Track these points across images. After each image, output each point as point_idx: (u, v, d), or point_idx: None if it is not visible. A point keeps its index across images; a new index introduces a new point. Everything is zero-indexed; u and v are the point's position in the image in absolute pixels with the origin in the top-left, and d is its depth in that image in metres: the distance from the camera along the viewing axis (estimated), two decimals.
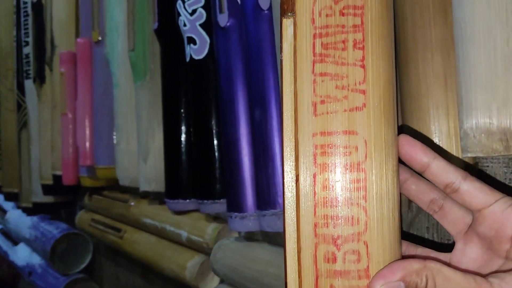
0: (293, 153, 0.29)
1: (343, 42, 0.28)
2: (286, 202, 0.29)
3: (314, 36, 0.28)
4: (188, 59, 0.65)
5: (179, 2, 0.65)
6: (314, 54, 0.28)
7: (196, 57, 0.64)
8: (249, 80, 0.58)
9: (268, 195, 0.56)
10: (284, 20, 0.29)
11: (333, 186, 0.28)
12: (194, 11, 0.64)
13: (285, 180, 0.29)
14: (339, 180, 0.28)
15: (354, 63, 0.28)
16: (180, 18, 0.65)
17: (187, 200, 0.69)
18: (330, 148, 0.28)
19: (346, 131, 0.28)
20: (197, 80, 0.65)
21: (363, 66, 0.28)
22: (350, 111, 0.28)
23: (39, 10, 1.07)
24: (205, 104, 0.65)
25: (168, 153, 0.71)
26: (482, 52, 0.36)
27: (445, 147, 0.40)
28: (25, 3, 1.14)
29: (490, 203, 0.30)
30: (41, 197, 1.13)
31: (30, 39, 1.13)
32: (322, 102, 0.28)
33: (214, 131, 0.64)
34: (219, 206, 0.64)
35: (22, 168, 1.20)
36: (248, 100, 0.59)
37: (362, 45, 0.28)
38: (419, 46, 0.41)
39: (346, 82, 0.28)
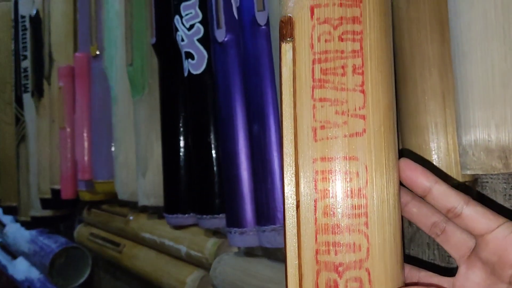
0: (294, 178, 0.28)
1: (343, 67, 0.28)
2: (287, 228, 0.29)
3: (313, 61, 0.28)
4: (186, 74, 0.65)
5: (177, 17, 0.65)
6: (314, 80, 0.28)
7: (194, 72, 0.64)
8: (247, 95, 0.58)
9: (268, 210, 0.56)
10: (283, 45, 0.29)
11: (334, 213, 0.28)
12: (192, 26, 0.64)
13: (285, 206, 0.29)
14: (340, 206, 0.28)
15: (353, 89, 0.28)
16: (178, 33, 0.65)
17: (186, 215, 0.69)
18: (331, 174, 0.28)
19: (346, 156, 0.28)
20: (195, 95, 0.65)
21: (362, 92, 0.28)
22: (350, 136, 0.28)
23: (37, 24, 1.08)
24: (204, 119, 0.64)
25: (166, 168, 0.71)
26: (480, 69, 0.36)
27: (444, 164, 0.40)
28: (23, 17, 1.14)
29: (492, 228, 0.30)
30: (39, 211, 1.13)
31: (28, 53, 1.13)
32: (322, 127, 0.28)
33: (212, 146, 0.64)
34: (218, 221, 0.64)
35: (20, 182, 1.20)
36: (247, 115, 0.59)
37: (361, 70, 0.28)
38: (417, 63, 0.41)
39: (346, 108, 0.28)
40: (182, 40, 0.65)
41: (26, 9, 1.14)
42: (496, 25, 0.35)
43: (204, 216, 0.64)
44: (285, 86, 0.28)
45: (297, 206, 0.28)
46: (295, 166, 0.28)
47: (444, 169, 0.40)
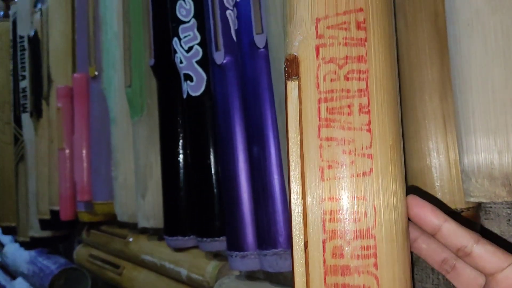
0: (301, 218, 0.28)
1: (349, 106, 0.28)
2: (295, 268, 0.28)
3: (319, 100, 0.28)
4: (185, 96, 0.65)
5: (175, 39, 0.65)
6: (320, 119, 0.28)
7: (193, 94, 0.64)
8: (246, 117, 0.58)
9: (269, 234, 0.55)
10: (289, 83, 0.29)
11: (343, 254, 0.27)
12: (190, 48, 0.64)
13: (294, 246, 0.29)
14: (349, 247, 0.27)
15: (360, 128, 0.28)
16: (177, 55, 0.65)
17: (186, 237, 0.69)
18: (339, 214, 0.27)
19: (354, 196, 0.27)
20: (194, 116, 0.65)
21: (369, 131, 0.28)
22: (357, 176, 0.28)
23: (35, 44, 1.08)
24: (203, 141, 0.64)
25: (166, 189, 0.71)
26: (481, 95, 0.35)
27: (447, 190, 0.40)
28: (22, 37, 1.14)
29: (503, 267, 0.30)
30: (38, 232, 1.12)
31: (26, 73, 1.13)
32: (329, 167, 0.28)
33: (212, 168, 0.63)
34: (219, 244, 0.63)
35: (19, 202, 1.19)
36: (246, 137, 0.58)
37: (367, 109, 0.28)
38: (416, 87, 0.41)
39: (353, 147, 0.28)
40: (181, 62, 0.65)
41: (25, 29, 1.14)
42: (496, 50, 0.35)
43: (205, 239, 0.64)
44: (291, 125, 0.28)
45: (305, 247, 0.28)
46: (303, 206, 0.28)
47: (447, 195, 0.39)
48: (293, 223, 0.28)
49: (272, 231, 0.55)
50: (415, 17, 0.40)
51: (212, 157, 0.63)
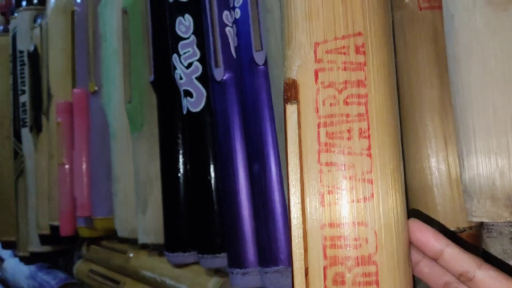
0: (302, 243, 0.28)
1: (348, 131, 0.28)
2: None
3: (319, 125, 0.28)
4: (185, 112, 0.65)
5: (175, 56, 0.65)
6: (319, 144, 0.28)
7: (193, 110, 0.64)
8: (246, 134, 0.57)
9: (270, 251, 0.55)
10: (288, 107, 0.28)
11: (344, 281, 0.27)
12: (190, 65, 0.64)
13: (294, 272, 0.28)
14: (350, 274, 0.27)
15: (360, 153, 0.27)
16: (176, 71, 0.65)
17: (187, 253, 0.68)
18: (340, 240, 0.27)
19: (355, 222, 0.27)
20: (194, 132, 0.65)
21: (369, 155, 0.27)
22: (358, 201, 0.27)
23: (35, 59, 1.08)
24: (203, 157, 0.64)
25: (166, 206, 0.70)
26: (481, 115, 0.35)
27: (449, 210, 0.39)
28: (21, 52, 1.14)
29: None
30: (38, 247, 1.11)
31: (26, 88, 1.13)
32: (330, 192, 0.27)
33: (212, 184, 0.63)
34: (220, 260, 0.63)
35: (19, 216, 1.19)
36: (246, 154, 0.58)
37: (367, 134, 0.28)
38: (416, 107, 0.41)
39: (353, 172, 0.27)
40: (181, 78, 0.65)
41: (24, 44, 1.15)
42: (496, 71, 0.35)
43: (206, 255, 0.64)
44: (291, 150, 0.28)
45: (306, 273, 0.27)
46: (303, 231, 0.28)
47: (448, 214, 0.39)
48: (294, 249, 0.28)
49: (273, 249, 0.54)
50: (414, 38, 0.40)
51: (212, 173, 0.63)
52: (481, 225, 0.42)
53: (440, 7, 0.38)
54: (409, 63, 0.40)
